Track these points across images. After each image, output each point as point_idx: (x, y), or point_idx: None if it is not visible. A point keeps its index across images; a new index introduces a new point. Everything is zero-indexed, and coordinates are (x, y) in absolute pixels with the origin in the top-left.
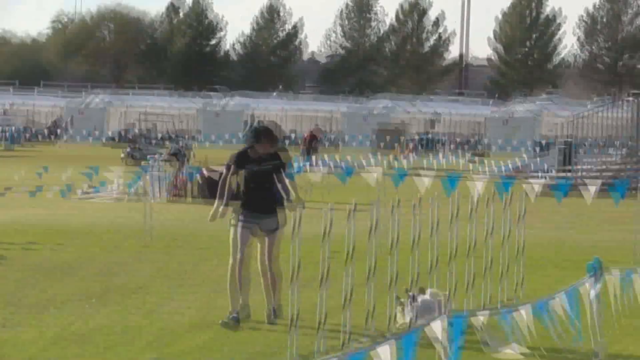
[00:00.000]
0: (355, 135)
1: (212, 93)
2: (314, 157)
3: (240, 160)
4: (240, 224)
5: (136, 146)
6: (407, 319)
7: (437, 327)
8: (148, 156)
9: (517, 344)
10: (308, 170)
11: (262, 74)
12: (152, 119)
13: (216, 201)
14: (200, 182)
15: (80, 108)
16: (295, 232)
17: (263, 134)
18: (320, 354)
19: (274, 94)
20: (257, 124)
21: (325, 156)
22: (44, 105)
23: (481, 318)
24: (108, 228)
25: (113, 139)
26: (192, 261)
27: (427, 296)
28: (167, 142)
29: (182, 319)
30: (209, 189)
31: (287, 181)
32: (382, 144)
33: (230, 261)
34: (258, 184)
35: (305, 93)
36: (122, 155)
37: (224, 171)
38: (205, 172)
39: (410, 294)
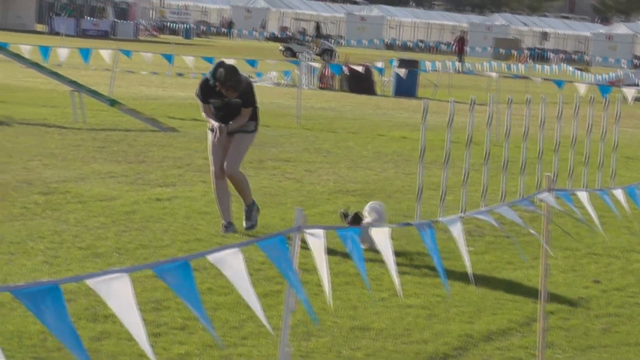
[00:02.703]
0: (475, 46)
1: (354, 5)
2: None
3: (204, 93)
4: (211, 134)
5: (291, 43)
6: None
7: (547, 199)
8: (299, 53)
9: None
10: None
11: None
12: (303, 22)
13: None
14: (344, 75)
15: (247, 7)
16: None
17: (219, 79)
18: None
19: (408, 7)
20: (219, 65)
21: (448, 62)
22: (213, 6)
23: (584, 193)
24: (266, 108)
25: (273, 36)
26: (334, 140)
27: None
28: (319, 40)
29: (323, 188)
30: (349, 82)
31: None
32: (500, 53)
33: (211, 171)
34: (225, 112)
35: (435, 7)
36: (281, 49)
37: (200, 103)
38: (345, 68)
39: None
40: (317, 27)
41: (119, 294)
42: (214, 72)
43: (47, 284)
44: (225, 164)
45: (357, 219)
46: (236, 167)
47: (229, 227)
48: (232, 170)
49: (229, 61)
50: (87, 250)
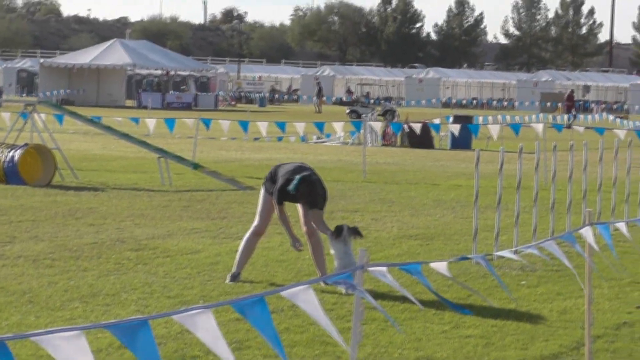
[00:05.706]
0: (524, 100)
1: (413, 69)
2: (573, 114)
3: (281, 198)
4: (265, 191)
5: (356, 106)
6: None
7: (587, 232)
8: (363, 115)
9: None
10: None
11: (452, 53)
12: (367, 87)
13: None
14: (405, 132)
15: (315, 75)
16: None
17: (303, 192)
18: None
19: (461, 68)
20: (306, 174)
21: (499, 115)
22: (285, 76)
23: (622, 225)
24: (335, 165)
25: (340, 101)
26: (397, 191)
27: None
28: (381, 102)
29: (388, 234)
30: (409, 138)
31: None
32: (547, 106)
33: (253, 225)
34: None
35: (485, 68)
36: (347, 111)
37: (275, 207)
38: (406, 126)
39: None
40: (319, 88)
41: (205, 328)
42: (297, 186)
43: (138, 320)
44: (306, 228)
45: (340, 231)
46: (317, 231)
47: (237, 276)
48: (316, 234)
49: (300, 125)
50: (175, 299)
